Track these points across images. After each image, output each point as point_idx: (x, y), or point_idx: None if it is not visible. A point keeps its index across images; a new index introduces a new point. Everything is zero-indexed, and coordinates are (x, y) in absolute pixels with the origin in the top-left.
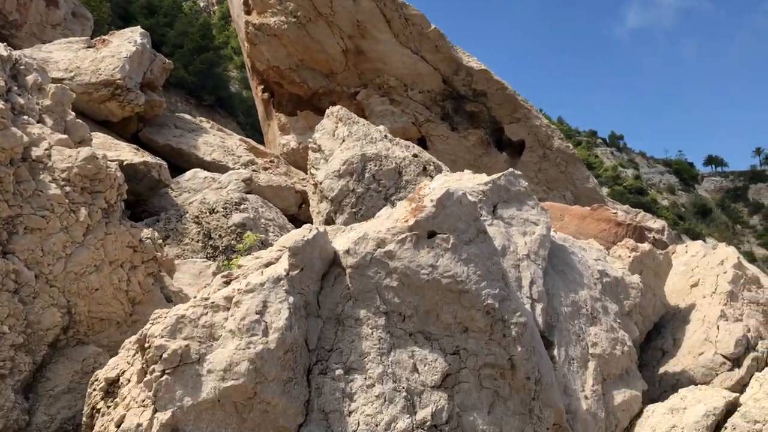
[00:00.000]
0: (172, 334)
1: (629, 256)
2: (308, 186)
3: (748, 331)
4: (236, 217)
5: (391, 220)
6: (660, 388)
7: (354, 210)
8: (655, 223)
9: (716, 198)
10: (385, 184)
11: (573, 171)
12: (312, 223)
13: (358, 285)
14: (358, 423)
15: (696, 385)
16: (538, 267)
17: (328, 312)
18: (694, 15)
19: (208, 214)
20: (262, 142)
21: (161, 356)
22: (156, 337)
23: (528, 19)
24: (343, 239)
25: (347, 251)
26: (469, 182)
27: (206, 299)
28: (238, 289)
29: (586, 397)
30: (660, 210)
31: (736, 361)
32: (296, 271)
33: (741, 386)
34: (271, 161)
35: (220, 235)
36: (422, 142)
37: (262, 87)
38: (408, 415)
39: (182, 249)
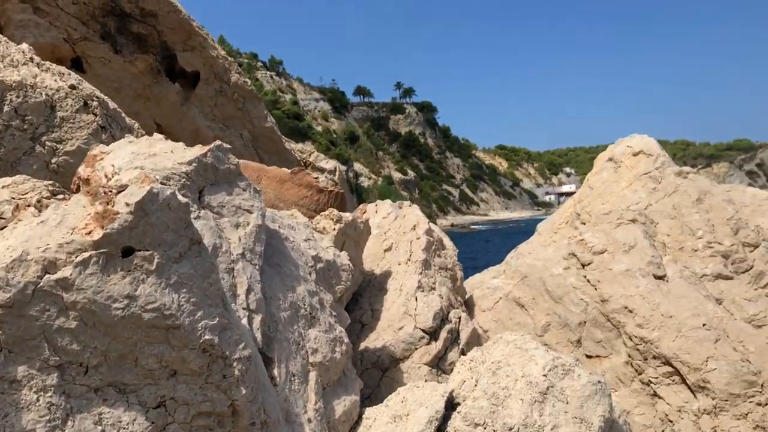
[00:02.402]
0: None
1: (334, 228)
2: None
3: (442, 300)
4: None
5: (64, 228)
6: (362, 367)
7: None
8: (327, 164)
9: (364, 126)
10: (32, 120)
11: (251, 108)
12: None
13: (13, 331)
14: None
15: (396, 360)
16: (254, 268)
17: None
18: None
19: None
20: None
21: None
22: None
23: None
24: None
25: None
26: (167, 159)
27: None
28: None
29: (309, 420)
30: (315, 135)
31: (433, 334)
32: None
33: (438, 359)
34: None
35: None
36: (77, 64)
37: None
38: None
39: None
